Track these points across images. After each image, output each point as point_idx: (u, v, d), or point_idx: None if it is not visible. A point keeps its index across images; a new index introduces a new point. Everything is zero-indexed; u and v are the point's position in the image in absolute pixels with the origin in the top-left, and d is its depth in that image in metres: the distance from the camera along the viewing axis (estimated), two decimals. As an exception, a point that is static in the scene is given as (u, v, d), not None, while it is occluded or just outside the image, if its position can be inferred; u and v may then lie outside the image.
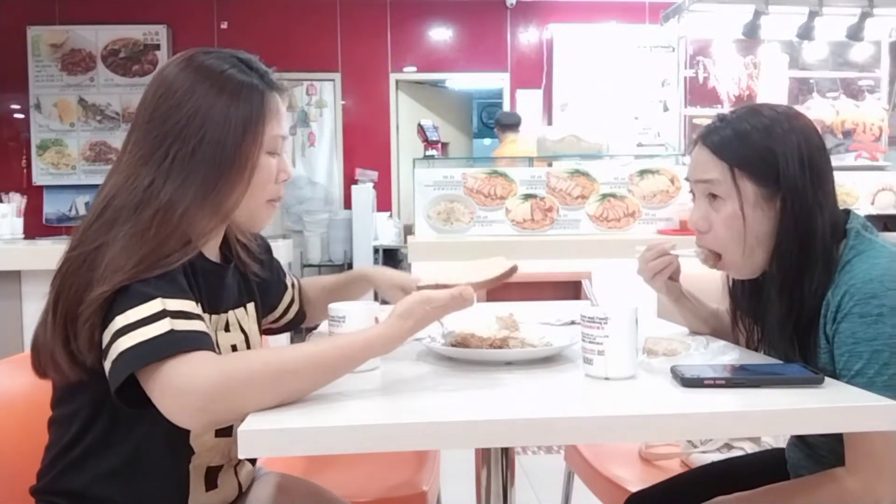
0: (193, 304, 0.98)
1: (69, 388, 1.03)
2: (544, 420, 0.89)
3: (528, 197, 3.54)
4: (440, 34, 6.58)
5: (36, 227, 5.45)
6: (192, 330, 0.94)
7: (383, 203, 6.45)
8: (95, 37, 6.27)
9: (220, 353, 1.04)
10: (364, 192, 6.19)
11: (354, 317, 1.11)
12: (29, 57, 6.22)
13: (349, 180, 6.47)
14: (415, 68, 6.57)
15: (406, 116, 6.60)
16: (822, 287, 1.10)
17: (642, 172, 3.61)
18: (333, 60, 6.45)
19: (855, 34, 4.65)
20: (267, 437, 0.85)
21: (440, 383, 1.06)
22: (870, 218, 1.19)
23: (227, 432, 1.12)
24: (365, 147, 6.53)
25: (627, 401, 0.98)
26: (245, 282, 1.24)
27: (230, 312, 1.17)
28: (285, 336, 2.92)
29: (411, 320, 1.01)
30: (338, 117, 6.51)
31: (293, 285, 1.46)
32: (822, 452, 1.19)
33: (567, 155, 3.95)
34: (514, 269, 1.22)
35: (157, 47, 6.31)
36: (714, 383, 0.99)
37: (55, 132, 6.26)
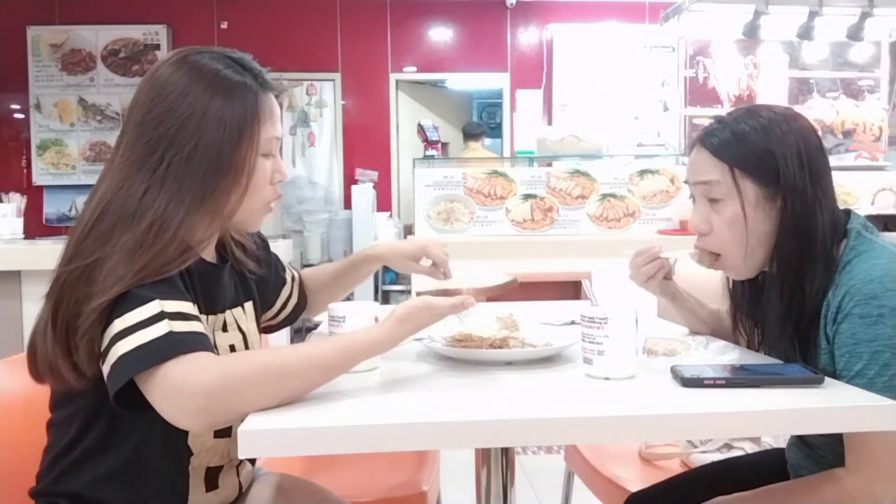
0: (191, 305, 0.98)
1: (68, 390, 1.02)
2: (544, 420, 0.89)
3: (528, 197, 3.54)
4: (440, 34, 6.58)
5: (36, 227, 5.44)
6: (191, 331, 0.94)
7: (383, 203, 6.44)
8: (95, 37, 6.26)
9: (217, 353, 1.03)
10: (364, 192, 6.18)
11: (354, 317, 1.11)
12: (29, 57, 6.22)
13: (349, 180, 6.46)
14: (415, 68, 6.56)
15: (406, 116, 6.59)
16: (822, 287, 1.10)
17: (642, 172, 3.62)
18: (333, 60, 6.45)
19: (855, 34, 4.65)
20: (267, 437, 0.85)
21: (440, 383, 1.06)
22: (870, 218, 1.19)
23: (225, 433, 1.12)
24: (365, 147, 6.53)
25: (627, 401, 0.98)
26: (242, 281, 1.23)
27: (227, 312, 1.16)
28: (285, 336, 2.92)
29: (410, 325, 1.01)
30: (338, 117, 6.50)
31: (293, 279, 1.44)
32: (823, 453, 1.19)
33: (567, 155, 3.96)
34: (515, 283, 1.22)
35: (157, 47, 6.30)
36: (714, 383, 0.99)
37: (55, 132, 6.26)
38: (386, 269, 1.55)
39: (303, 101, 6.46)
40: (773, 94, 6.00)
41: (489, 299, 1.20)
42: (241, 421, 0.87)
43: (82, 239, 0.98)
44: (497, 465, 1.14)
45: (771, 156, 1.13)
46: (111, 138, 6.07)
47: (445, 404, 0.98)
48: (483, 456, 1.14)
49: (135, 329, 0.91)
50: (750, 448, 1.62)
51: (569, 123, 5.90)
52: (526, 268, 3.22)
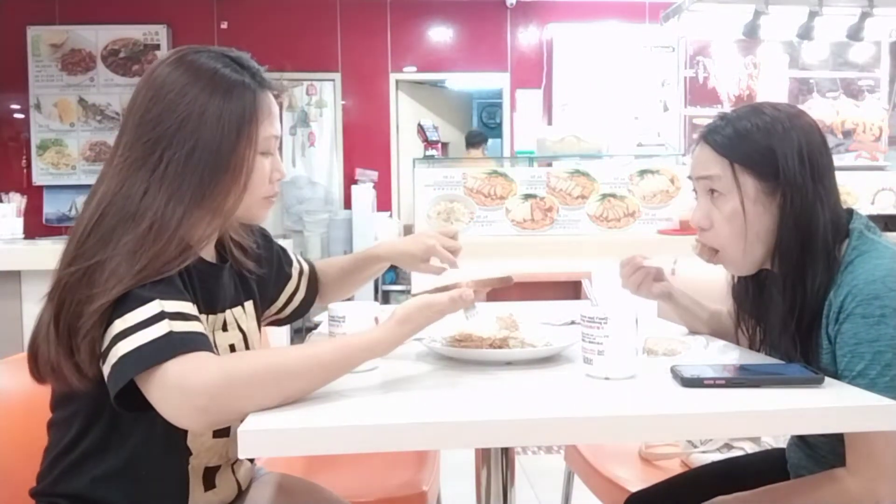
0: (191, 305, 0.98)
1: (69, 391, 1.02)
2: (544, 420, 0.89)
3: (528, 197, 3.54)
4: (440, 34, 6.58)
5: (36, 227, 5.44)
6: (191, 331, 0.94)
7: (383, 203, 6.45)
8: (95, 37, 6.27)
9: (217, 353, 1.03)
10: (364, 192, 6.19)
11: (354, 317, 1.11)
12: (29, 57, 6.22)
13: (349, 180, 6.46)
14: (415, 68, 6.57)
15: (406, 116, 6.60)
16: (824, 286, 1.10)
17: (642, 172, 3.62)
18: (333, 60, 6.45)
19: (855, 34, 4.65)
20: (267, 437, 0.85)
21: (440, 383, 1.06)
22: (870, 218, 1.19)
23: (224, 433, 1.12)
24: (365, 147, 6.53)
25: (627, 401, 0.98)
26: (242, 280, 1.23)
27: (227, 312, 1.16)
28: (285, 336, 2.92)
29: (410, 325, 1.01)
30: (338, 117, 6.50)
31: (300, 273, 1.43)
32: (823, 453, 1.19)
33: (567, 155, 3.95)
34: (510, 280, 1.22)
35: (157, 47, 6.30)
36: (714, 383, 0.99)
37: (55, 132, 6.26)
38: (386, 268, 1.56)
39: (303, 101, 6.46)
40: (773, 94, 6.00)
41: (489, 296, 1.19)
42: (240, 421, 0.87)
43: (83, 241, 0.98)
44: (497, 465, 1.14)
45: (771, 152, 1.13)
46: (111, 138, 6.02)
47: (445, 404, 0.98)
48: (483, 456, 1.14)
49: (135, 329, 0.91)
50: (750, 448, 1.62)
51: (569, 123, 5.90)
52: (526, 268, 3.22)
